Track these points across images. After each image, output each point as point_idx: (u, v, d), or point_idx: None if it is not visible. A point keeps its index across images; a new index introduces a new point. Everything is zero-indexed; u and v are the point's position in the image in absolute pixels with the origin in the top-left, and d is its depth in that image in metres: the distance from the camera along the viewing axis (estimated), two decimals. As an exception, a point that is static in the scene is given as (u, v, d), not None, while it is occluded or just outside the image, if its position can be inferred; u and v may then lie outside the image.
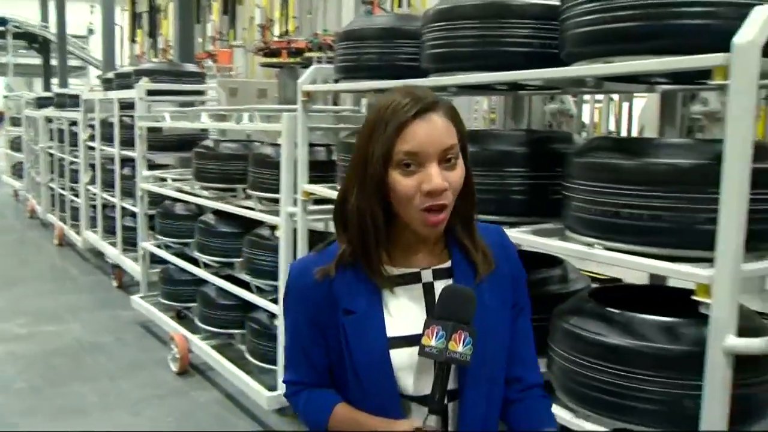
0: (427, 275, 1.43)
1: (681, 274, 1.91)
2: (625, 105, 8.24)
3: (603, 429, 2.15)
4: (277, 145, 4.15)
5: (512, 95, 3.41)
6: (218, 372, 4.94)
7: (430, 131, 1.30)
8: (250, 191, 4.67)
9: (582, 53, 2.21)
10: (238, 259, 4.93)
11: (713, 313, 1.79)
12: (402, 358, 1.39)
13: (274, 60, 13.05)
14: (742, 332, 1.82)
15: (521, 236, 2.39)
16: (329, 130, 5.02)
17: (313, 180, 3.86)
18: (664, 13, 1.97)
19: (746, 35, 1.69)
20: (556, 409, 2.18)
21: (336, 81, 3.63)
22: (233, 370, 4.65)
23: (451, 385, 1.38)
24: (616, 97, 8.06)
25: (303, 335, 1.48)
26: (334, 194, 3.66)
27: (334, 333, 1.43)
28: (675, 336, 2.03)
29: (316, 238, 4.05)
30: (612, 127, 8.09)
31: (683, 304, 2.00)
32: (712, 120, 7.24)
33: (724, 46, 1.75)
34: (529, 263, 2.79)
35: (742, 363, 1.86)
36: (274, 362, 4.37)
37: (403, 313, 1.40)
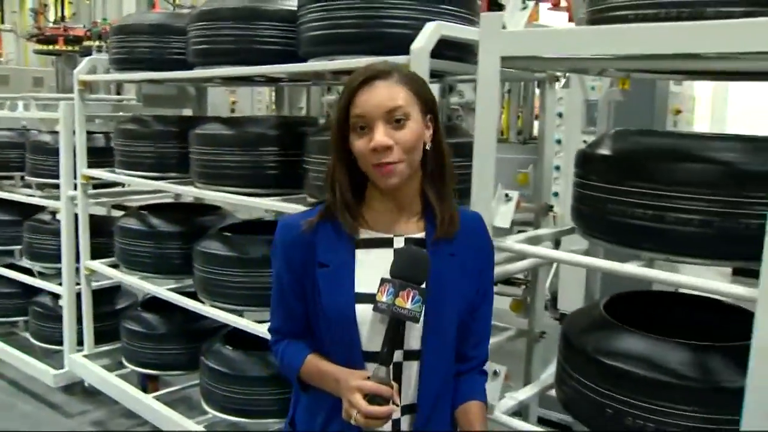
0: (399, 242, 1.55)
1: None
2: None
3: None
4: (56, 133, 4.31)
5: (275, 86, 3.90)
6: (2, 360, 4.96)
7: (375, 95, 1.45)
8: (29, 178, 4.75)
9: (314, 52, 2.73)
10: (18, 247, 4.98)
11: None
12: (366, 313, 1.49)
13: (50, 47, 12.46)
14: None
15: (273, 204, 2.89)
16: (107, 118, 5.22)
17: (92, 165, 4.08)
18: (373, 24, 2.54)
19: (419, 42, 2.29)
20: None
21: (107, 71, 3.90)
22: (18, 354, 4.73)
23: (416, 345, 1.52)
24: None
25: (285, 287, 1.61)
26: (114, 177, 3.94)
27: (310, 285, 1.55)
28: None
29: (97, 221, 4.29)
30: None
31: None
32: (467, 110, 8.21)
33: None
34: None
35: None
36: (60, 343, 4.51)
37: (373, 272, 1.48)
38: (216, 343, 3.39)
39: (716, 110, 10.06)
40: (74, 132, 4.06)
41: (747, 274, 2.60)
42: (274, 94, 9.33)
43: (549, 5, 5.28)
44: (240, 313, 3.21)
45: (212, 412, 3.38)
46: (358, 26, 2.56)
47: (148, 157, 3.61)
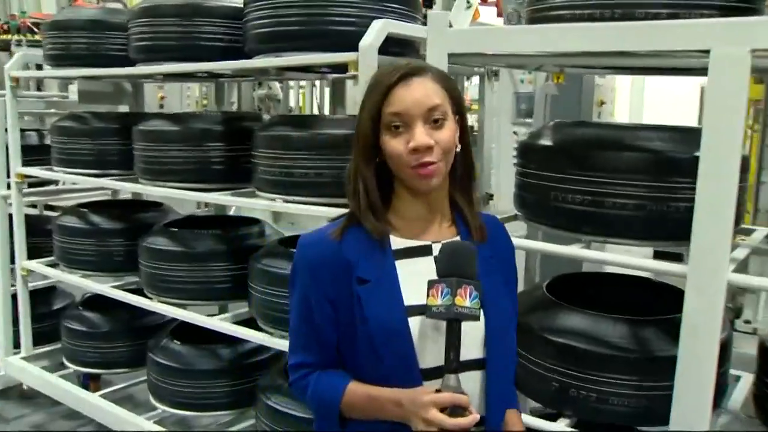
0: (437, 248, 1.42)
1: (338, 213, 2.57)
2: (327, 89, 9.13)
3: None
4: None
5: (215, 82, 3.91)
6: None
7: (413, 93, 1.36)
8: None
9: (260, 49, 2.77)
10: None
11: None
12: (416, 328, 1.37)
13: (-36, 42, 11.94)
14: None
15: (222, 198, 2.93)
16: (37, 115, 5.10)
17: (27, 164, 4.00)
18: (319, 21, 2.60)
19: (368, 39, 2.37)
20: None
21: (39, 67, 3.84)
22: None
23: (470, 354, 1.38)
24: (318, 83, 8.88)
25: (313, 312, 1.44)
26: (52, 175, 3.89)
27: (347, 304, 1.40)
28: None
29: (31, 220, 4.20)
30: (315, 109, 8.93)
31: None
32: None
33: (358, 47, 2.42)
34: (235, 224, 3.35)
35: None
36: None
37: (416, 282, 1.36)
38: (163, 338, 3.40)
39: (634, 101, 10.53)
40: (6, 130, 3.97)
41: (664, 256, 2.82)
42: (204, 89, 9.25)
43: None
44: (185, 308, 3.23)
45: (161, 408, 3.39)
46: (305, 23, 2.62)
47: (88, 155, 3.58)
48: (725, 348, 2.07)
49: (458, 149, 1.42)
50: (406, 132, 1.36)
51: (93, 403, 3.65)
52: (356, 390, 1.40)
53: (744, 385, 2.34)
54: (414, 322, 1.36)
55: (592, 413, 2.01)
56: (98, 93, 4.16)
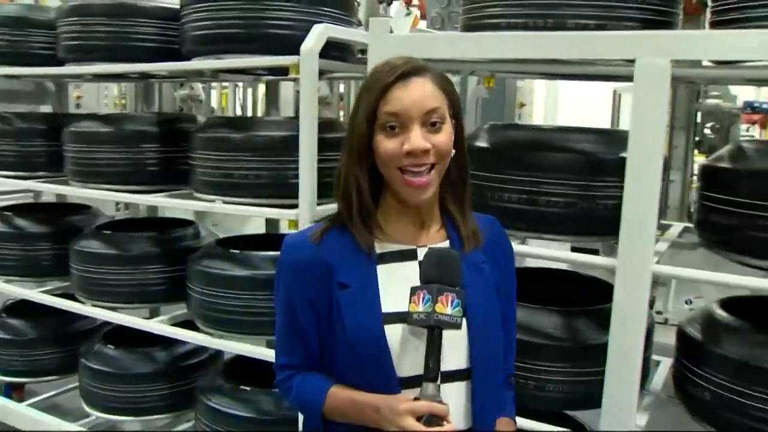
0: (423, 253, 1.38)
1: (277, 214, 2.63)
2: (250, 91, 9.07)
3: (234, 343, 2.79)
4: None
5: (141, 84, 3.86)
6: None
7: (412, 93, 1.31)
8: None
9: (199, 50, 2.78)
10: None
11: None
12: (396, 335, 1.34)
13: None
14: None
15: (157, 200, 2.92)
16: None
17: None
18: (258, 24, 2.63)
19: (309, 43, 2.42)
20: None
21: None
22: None
23: (452, 365, 1.35)
24: (241, 84, 8.82)
25: (296, 315, 1.41)
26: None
27: (327, 308, 1.38)
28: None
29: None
30: (239, 110, 8.86)
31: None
32: (324, 104, 8.41)
33: (298, 50, 2.46)
34: (169, 226, 3.34)
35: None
36: None
37: (398, 288, 1.33)
38: (96, 343, 3.34)
39: (549, 103, 10.92)
40: None
41: (580, 251, 2.99)
42: (123, 89, 9.04)
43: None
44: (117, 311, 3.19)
45: (95, 414, 3.33)
46: (243, 26, 2.64)
47: (12, 156, 3.47)
48: (649, 334, 2.23)
49: (452, 153, 1.38)
50: (402, 133, 1.31)
51: (21, 413, 3.56)
52: (338, 394, 1.38)
53: (663, 369, 2.52)
54: (394, 330, 1.33)
55: (530, 401, 2.13)
56: (18, 92, 4.03)
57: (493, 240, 1.50)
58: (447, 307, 1.26)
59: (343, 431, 1.40)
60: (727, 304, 2.26)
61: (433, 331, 1.28)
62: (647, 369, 2.36)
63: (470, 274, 1.37)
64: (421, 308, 1.27)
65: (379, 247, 1.40)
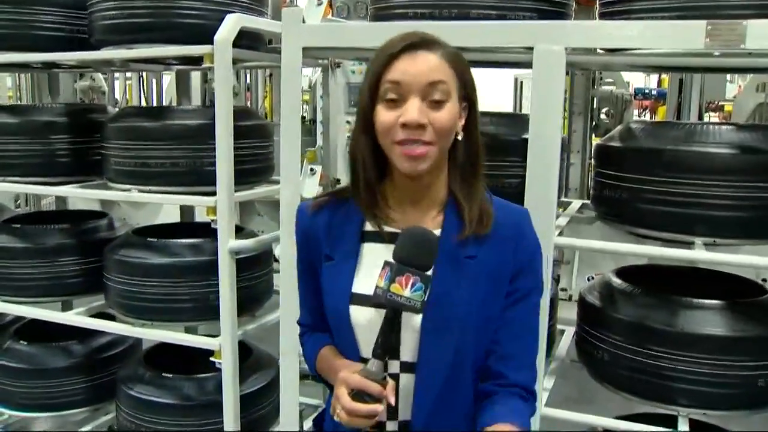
0: None
1: (195, 201, 2.66)
2: (154, 81, 8.90)
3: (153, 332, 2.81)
4: None
5: (47, 74, 3.78)
6: None
7: (417, 64, 1.27)
8: None
9: (109, 40, 2.76)
10: None
11: (219, 226, 2.56)
12: (365, 316, 1.35)
13: None
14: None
15: (68, 191, 2.90)
16: None
17: None
18: (168, 14, 2.64)
19: (222, 33, 2.46)
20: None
21: None
22: None
23: (412, 357, 1.35)
24: (145, 74, 8.64)
25: (302, 277, 1.51)
26: None
27: (320, 275, 1.44)
28: (199, 251, 2.78)
29: None
30: (143, 101, 8.69)
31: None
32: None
33: (210, 39, 2.49)
34: (81, 218, 3.29)
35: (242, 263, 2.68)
36: None
37: (377, 270, 1.28)
38: (7, 339, 3.27)
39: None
40: None
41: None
42: (17, 81, 8.68)
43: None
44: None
45: (7, 412, 3.27)
46: (154, 15, 2.64)
47: None
48: (553, 305, 2.41)
49: (460, 137, 1.35)
50: (401, 104, 1.28)
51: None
52: (325, 355, 1.46)
53: (566, 338, 2.71)
54: (363, 310, 1.35)
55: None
56: None
57: (513, 232, 1.41)
58: (405, 288, 1.22)
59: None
60: (621, 273, 2.46)
61: (388, 310, 1.26)
62: (553, 336, 2.54)
63: (446, 264, 1.34)
64: (382, 284, 1.24)
65: (371, 226, 1.40)
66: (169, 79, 8.91)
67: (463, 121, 1.36)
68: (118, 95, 9.07)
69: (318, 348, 1.48)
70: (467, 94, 1.35)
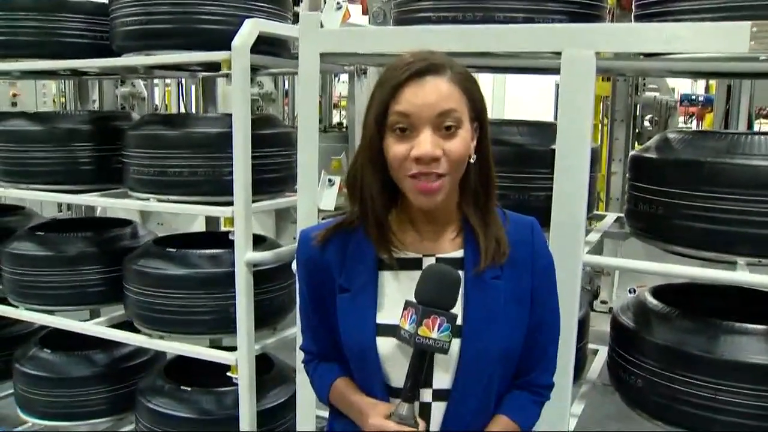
0: (429, 262, 1.32)
1: (212, 212, 2.59)
2: (193, 87, 8.96)
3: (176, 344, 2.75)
4: None
5: (76, 80, 3.77)
6: None
7: (424, 93, 1.21)
8: None
9: (129, 46, 2.72)
10: None
11: (236, 237, 2.48)
12: (389, 345, 1.30)
13: None
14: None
15: (91, 200, 2.86)
16: None
17: None
18: (189, 19, 2.58)
19: (240, 38, 2.39)
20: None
21: None
22: None
23: (444, 384, 1.31)
24: (183, 80, 8.69)
25: (308, 308, 1.44)
26: None
27: (333, 308, 1.36)
28: (218, 262, 2.71)
29: None
30: (181, 107, 8.74)
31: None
32: (268, 101, 8.30)
33: (230, 45, 2.42)
34: (106, 226, 3.27)
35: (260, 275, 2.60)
36: None
37: (399, 297, 1.27)
38: (32, 347, 3.26)
39: (496, 95, 11.03)
40: None
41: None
42: (62, 87, 8.81)
43: (345, -2, 5.53)
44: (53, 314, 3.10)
45: (32, 420, 3.25)
46: (174, 21, 2.59)
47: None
48: (583, 325, 2.27)
49: (473, 160, 1.29)
50: (412, 136, 1.22)
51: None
52: (339, 389, 1.40)
53: (600, 357, 2.57)
54: (385, 342, 1.30)
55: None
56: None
57: (524, 244, 1.37)
58: (433, 330, 1.20)
59: (349, 424, 1.41)
60: (659, 291, 2.31)
61: (417, 351, 1.24)
62: (583, 358, 2.40)
63: (475, 293, 1.31)
64: (407, 326, 1.22)
65: (385, 252, 1.34)
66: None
67: (474, 142, 1.29)
68: (157, 101, 9.17)
69: (330, 381, 1.43)
70: (478, 115, 1.29)
